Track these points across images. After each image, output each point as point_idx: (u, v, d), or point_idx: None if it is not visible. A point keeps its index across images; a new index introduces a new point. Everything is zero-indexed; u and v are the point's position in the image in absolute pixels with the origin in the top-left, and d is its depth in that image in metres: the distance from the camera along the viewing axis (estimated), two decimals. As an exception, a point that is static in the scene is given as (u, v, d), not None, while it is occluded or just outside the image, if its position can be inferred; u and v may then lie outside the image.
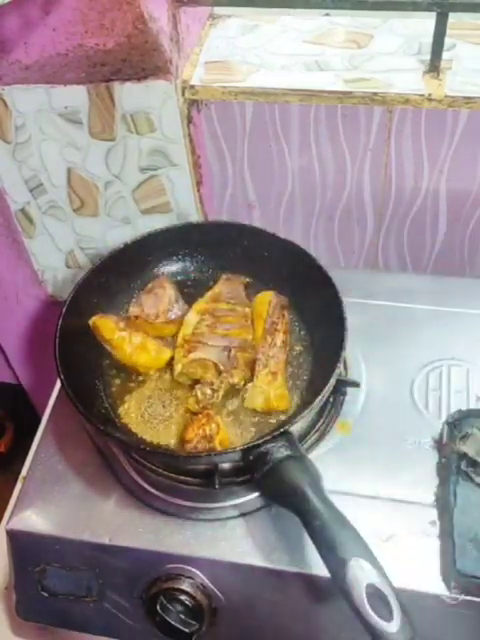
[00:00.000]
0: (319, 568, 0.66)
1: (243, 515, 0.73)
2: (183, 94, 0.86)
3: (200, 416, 0.74)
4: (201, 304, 0.85)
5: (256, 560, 0.69)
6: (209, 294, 0.87)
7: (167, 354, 0.81)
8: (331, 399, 0.81)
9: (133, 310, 0.85)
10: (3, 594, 0.85)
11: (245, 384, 0.78)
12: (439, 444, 0.76)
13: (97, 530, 0.73)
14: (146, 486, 0.76)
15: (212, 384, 0.77)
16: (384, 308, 0.91)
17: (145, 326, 0.83)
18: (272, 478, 0.65)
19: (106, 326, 0.81)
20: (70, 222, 1.05)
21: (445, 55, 0.83)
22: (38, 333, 1.30)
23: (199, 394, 0.76)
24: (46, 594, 0.76)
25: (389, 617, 0.55)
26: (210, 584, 0.71)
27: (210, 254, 0.91)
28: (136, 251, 0.88)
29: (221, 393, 0.77)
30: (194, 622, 0.70)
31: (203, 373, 0.78)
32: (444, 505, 0.70)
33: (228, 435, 0.74)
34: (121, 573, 0.73)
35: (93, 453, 0.80)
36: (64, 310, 0.79)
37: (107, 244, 1.06)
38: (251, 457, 0.67)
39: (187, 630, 0.70)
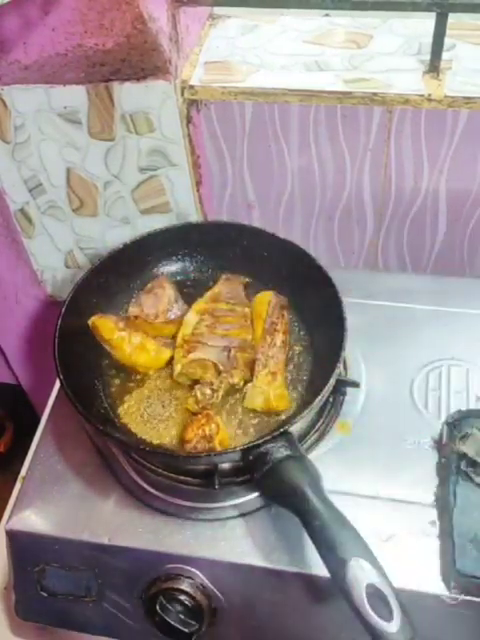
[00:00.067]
0: (319, 568, 0.66)
1: (243, 515, 0.73)
2: (182, 94, 0.86)
3: (200, 416, 0.74)
4: (200, 304, 0.85)
5: (256, 560, 0.69)
6: (208, 294, 0.87)
7: (166, 354, 0.81)
8: (331, 399, 0.81)
9: (132, 310, 0.85)
10: (2, 594, 0.85)
11: (245, 384, 0.78)
12: (439, 444, 0.76)
13: (96, 530, 0.73)
14: (146, 486, 0.76)
15: (212, 384, 0.77)
16: (384, 308, 0.91)
17: (145, 326, 0.83)
18: (272, 478, 0.65)
19: (105, 326, 0.81)
20: (69, 222, 1.05)
21: (445, 55, 0.83)
22: (37, 333, 1.30)
23: (199, 394, 0.76)
24: (45, 594, 0.76)
25: (389, 617, 0.55)
26: (210, 584, 0.71)
27: (209, 254, 0.91)
28: (135, 251, 0.88)
29: (221, 393, 0.76)
30: (194, 622, 0.70)
31: (203, 373, 0.78)
32: (444, 505, 0.70)
33: (228, 435, 0.74)
34: (121, 573, 0.73)
35: (92, 453, 0.80)
36: (63, 310, 0.79)
37: (106, 244, 1.06)
38: (251, 457, 0.67)
39: (187, 630, 0.70)
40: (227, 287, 0.88)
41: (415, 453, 0.76)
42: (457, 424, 0.75)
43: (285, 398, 0.76)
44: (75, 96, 0.86)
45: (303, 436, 0.77)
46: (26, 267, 1.14)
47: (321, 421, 0.79)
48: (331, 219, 0.99)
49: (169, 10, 0.81)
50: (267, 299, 0.84)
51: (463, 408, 0.78)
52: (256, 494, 0.73)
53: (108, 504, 0.75)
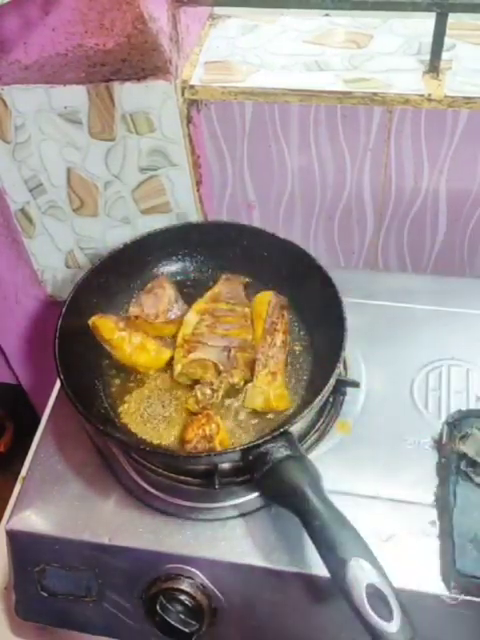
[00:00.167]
0: (319, 568, 0.66)
1: (243, 515, 0.73)
2: (183, 94, 0.86)
3: (200, 416, 0.74)
4: (200, 304, 0.85)
5: (256, 560, 0.69)
6: (208, 294, 0.87)
7: (167, 354, 0.81)
8: (331, 399, 0.81)
9: (133, 310, 0.85)
10: (3, 594, 0.85)
11: (245, 384, 0.78)
12: (439, 444, 0.76)
13: (97, 530, 0.73)
14: (146, 486, 0.76)
15: (212, 384, 0.77)
16: (384, 308, 0.91)
17: (145, 326, 0.83)
18: (272, 478, 0.65)
19: (106, 326, 0.81)
20: (70, 222, 1.05)
21: (445, 55, 0.83)
22: (38, 333, 1.30)
23: (199, 394, 0.76)
24: (46, 594, 0.76)
25: (389, 617, 0.55)
26: (210, 584, 0.71)
27: (210, 254, 0.91)
28: (136, 251, 0.88)
29: (221, 393, 0.76)
30: (194, 622, 0.70)
31: (203, 373, 0.78)
32: (444, 505, 0.70)
33: (228, 435, 0.74)
34: (121, 573, 0.73)
35: (93, 453, 0.80)
36: (64, 310, 0.79)
37: (107, 244, 1.06)
38: (251, 457, 0.67)
39: (187, 630, 0.70)
40: (227, 287, 0.87)
41: (415, 453, 0.76)
42: (457, 424, 0.75)
43: (285, 398, 0.76)
44: (75, 96, 0.86)
45: (303, 436, 0.77)
46: (26, 267, 1.15)
47: (321, 421, 0.79)
48: (331, 219, 0.99)
49: (169, 10, 0.81)
50: (267, 299, 0.84)
51: (463, 408, 0.78)
52: (256, 494, 0.73)
53: (108, 504, 0.75)
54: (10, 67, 0.84)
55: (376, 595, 0.56)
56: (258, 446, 0.67)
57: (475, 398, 0.80)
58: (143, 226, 1.01)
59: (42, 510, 0.76)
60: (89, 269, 0.84)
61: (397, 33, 0.92)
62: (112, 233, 1.05)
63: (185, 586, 0.70)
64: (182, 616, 0.70)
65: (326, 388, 0.71)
